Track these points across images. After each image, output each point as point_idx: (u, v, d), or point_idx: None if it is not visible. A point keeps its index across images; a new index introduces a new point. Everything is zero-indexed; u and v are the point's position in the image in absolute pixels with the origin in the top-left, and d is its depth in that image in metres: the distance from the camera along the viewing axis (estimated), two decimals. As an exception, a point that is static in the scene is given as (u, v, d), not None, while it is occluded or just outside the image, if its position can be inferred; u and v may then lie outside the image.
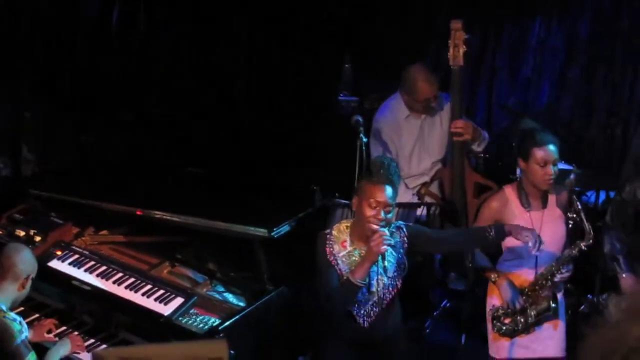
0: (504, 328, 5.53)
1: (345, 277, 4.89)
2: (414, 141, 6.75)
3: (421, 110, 6.71)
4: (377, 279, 4.96)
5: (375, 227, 4.80)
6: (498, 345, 5.59)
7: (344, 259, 4.97)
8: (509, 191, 5.56)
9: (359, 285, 4.85)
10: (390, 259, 5.00)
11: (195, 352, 1.65)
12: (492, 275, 5.52)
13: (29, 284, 5.06)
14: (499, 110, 8.41)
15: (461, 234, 5.71)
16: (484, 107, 8.51)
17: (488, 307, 5.62)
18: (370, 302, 5.02)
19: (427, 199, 6.63)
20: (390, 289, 5.04)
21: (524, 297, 5.47)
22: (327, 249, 4.99)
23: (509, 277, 5.52)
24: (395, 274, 5.04)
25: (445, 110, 6.69)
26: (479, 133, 6.54)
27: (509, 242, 5.50)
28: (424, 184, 6.72)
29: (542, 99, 8.44)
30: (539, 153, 5.34)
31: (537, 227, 5.38)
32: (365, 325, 5.04)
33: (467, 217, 6.55)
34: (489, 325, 5.61)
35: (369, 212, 4.83)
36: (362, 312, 5.02)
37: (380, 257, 4.83)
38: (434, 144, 6.80)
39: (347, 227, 5.02)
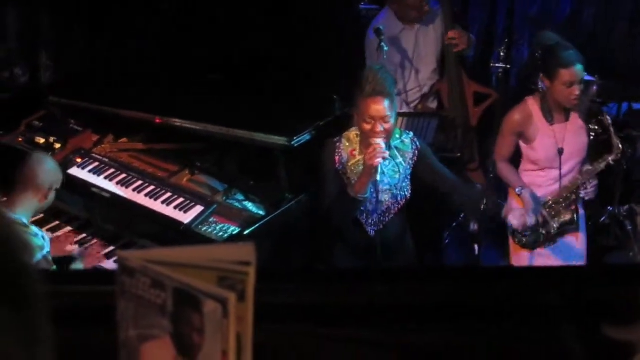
0: (525, 240, 5.51)
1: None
2: (412, 53, 6.63)
3: (415, 18, 6.57)
4: (385, 190, 4.96)
5: (373, 141, 4.73)
6: (519, 257, 5.59)
7: (352, 168, 4.96)
8: (532, 103, 5.43)
9: (359, 200, 4.84)
10: (400, 170, 4.98)
11: (221, 255, 1.62)
12: (517, 187, 5.45)
13: (52, 195, 5.03)
14: (521, 19, 8.28)
15: (462, 191, 5.33)
16: (505, 16, 8.38)
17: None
18: (378, 212, 5.01)
19: None
20: (399, 199, 5.03)
21: (547, 209, 5.44)
22: (336, 157, 4.98)
23: (533, 190, 5.44)
24: (404, 184, 5.02)
25: (436, 16, 6.59)
26: (471, 39, 6.48)
27: (529, 153, 5.46)
28: (422, 100, 6.65)
29: (564, 7, 8.30)
30: (565, 74, 5.16)
31: (559, 139, 5.34)
32: (372, 234, 5.04)
33: (470, 127, 6.56)
34: (510, 237, 5.60)
35: (367, 127, 4.78)
36: (369, 221, 5.02)
37: (380, 170, 4.79)
38: (430, 53, 6.67)
39: (357, 135, 4.97)
